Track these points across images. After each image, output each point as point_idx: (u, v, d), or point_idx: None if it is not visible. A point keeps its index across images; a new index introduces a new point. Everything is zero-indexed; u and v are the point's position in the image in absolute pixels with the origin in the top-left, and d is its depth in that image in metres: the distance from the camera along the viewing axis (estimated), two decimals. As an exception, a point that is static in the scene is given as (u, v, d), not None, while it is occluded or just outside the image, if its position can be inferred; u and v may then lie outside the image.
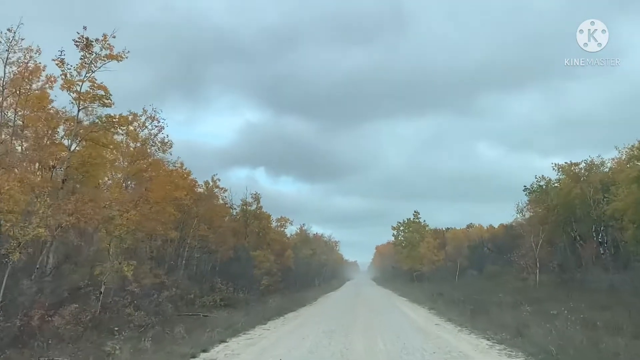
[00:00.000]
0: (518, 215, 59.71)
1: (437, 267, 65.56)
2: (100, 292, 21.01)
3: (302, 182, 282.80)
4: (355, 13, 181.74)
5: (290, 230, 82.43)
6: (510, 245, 63.62)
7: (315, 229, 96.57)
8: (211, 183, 49.08)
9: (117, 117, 24.71)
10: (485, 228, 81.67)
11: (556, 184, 51.54)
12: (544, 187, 53.27)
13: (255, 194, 60.15)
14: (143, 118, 29.15)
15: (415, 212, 72.84)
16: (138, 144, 29.10)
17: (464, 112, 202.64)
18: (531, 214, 58.72)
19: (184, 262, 39.30)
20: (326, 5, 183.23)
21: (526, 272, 41.89)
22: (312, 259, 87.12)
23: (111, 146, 25.54)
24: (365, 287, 75.59)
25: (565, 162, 50.91)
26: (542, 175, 52.64)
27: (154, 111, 29.26)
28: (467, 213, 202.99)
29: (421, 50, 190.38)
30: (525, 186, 52.46)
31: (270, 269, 47.97)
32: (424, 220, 72.27)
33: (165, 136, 30.07)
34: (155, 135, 29.52)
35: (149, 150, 29.80)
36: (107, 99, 23.89)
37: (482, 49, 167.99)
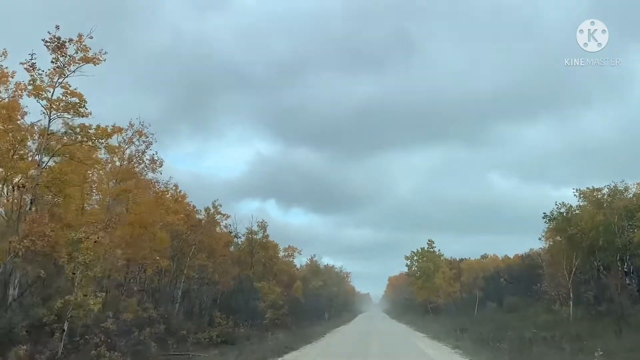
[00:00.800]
0: (541, 244, 56.69)
1: (453, 299, 61.28)
2: (63, 330, 17.47)
3: (313, 213, 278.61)
4: (364, 42, 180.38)
5: (300, 260, 79.05)
6: (528, 276, 59.73)
7: (326, 261, 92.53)
8: (212, 209, 45.74)
9: (95, 128, 21.57)
10: (501, 258, 77.73)
11: (577, 211, 48.07)
12: (564, 214, 49.57)
13: (261, 222, 56.68)
14: (129, 133, 26.04)
15: (429, 241, 68.91)
16: (124, 162, 25.84)
17: (475, 142, 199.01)
18: (550, 242, 55.77)
19: (179, 294, 35.68)
20: (334, 35, 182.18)
21: (559, 303, 37.74)
22: (322, 290, 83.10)
23: (89, 162, 22.22)
24: (378, 321, 71.13)
25: (587, 188, 47.37)
26: (563, 202, 48.95)
27: (142, 125, 26.15)
28: (480, 244, 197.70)
29: (432, 78, 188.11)
30: (544, 213, 48.56)
31: (275, 301, 44.17)
32: (439, 250, 68.30)
33: (154, 153, 26.83)
34: (143, 152, 26.28)
35: (136, 169, 26.54)
36: (82, 107, 20.78)
37: (493, 77, 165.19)
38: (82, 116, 20.99)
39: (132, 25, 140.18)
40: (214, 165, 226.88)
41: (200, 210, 39.59)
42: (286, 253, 63.37)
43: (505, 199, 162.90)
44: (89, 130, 21.17)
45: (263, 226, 56.78)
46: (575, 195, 47.30)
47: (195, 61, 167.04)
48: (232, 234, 53.31)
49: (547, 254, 56.86)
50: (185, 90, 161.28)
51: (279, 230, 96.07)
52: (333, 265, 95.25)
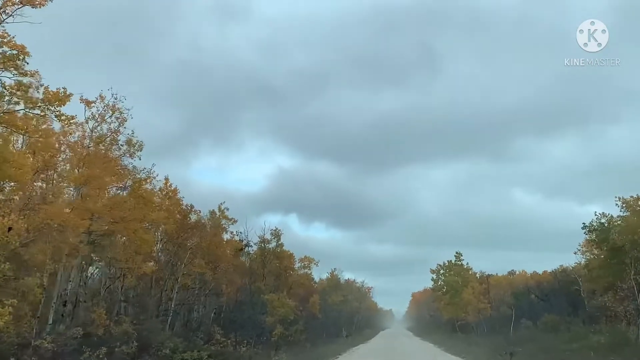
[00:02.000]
0: (576, 259, 50.49)
1: (482, 317, 54.97)
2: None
3: (335, 228, 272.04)
4: (386, 56, 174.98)
5: (320, 274, 73.71)
6: (564, 293, 53.51)
7: (347, 275, 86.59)
8: (218, 213, 40.70)
9: (43, 91, 16.72)
10: (529, 274, 71.46)
11: (619, 222, 42.58)
12: (605, 225, 43.93)
13: (275, 230, 51.42)
14: (99, 107, 21.13)
15: (457, 253, 62.74)
16: (90, 143, 20.89)
17: (499, 157, 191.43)
18: (591, 256, 50.23)
19: (172, 305, 30.55)
20: (357, 48, 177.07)
21: (625, 322, 31.71)
22: (342, 306, 77.32)
23: (36, 135, 17.27)
24: (401, 339, 64.62)
25: (631, 196, 41.79)
26: (603, 213, 43.34)
27: (115, 98, 21.23)
28: (505, 261, 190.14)
29: (454, 92, 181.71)
30: (584, 223, 43.07)
31: (286, 315, 38.68)
32: (467, 263, 62.10)
33: (131, 133, 21.84)
34: (116, 130, 21.32)
35: (109, 153, 21.58)
36: (21, 61, 15.94)
37: (516, 91, 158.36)
38: (23, 75, 16.17)
39: (153, 38, 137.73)
40: (235, 179, 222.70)
41: (198, 210, 34.51)
42: (302, 264, 57.78)
43: (530, 215, 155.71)
44: (36, 96, 16.33)
45: (277, 235, 51.57)
46: (617, 204, 42.20)
47: (215, 73, 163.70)
48: (242, 242, 48.49)
49: (584, 268, 51.84)
50: (205, 103, 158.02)
51: (300, 244, 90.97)
52: (354, 280, 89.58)
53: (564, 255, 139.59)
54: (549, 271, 65.76)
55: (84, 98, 20.96)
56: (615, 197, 42.33)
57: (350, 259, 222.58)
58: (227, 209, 40.90)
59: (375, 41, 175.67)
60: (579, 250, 54.35)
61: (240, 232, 47.61)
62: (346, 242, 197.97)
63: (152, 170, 23.58)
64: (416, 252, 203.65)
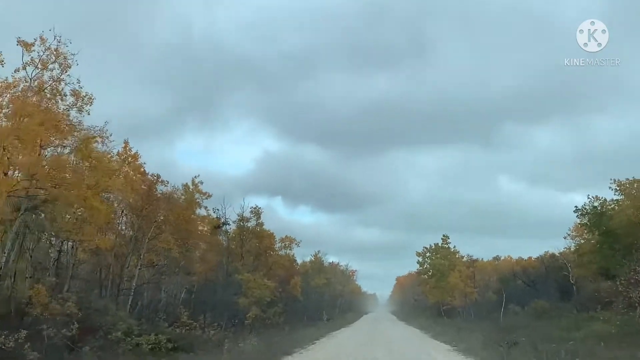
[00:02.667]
0: (570, 243, 49.67)
1: (469, 301, 52.50)
2: None
3: (320, 212, 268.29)
4: (377, 40, 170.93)
5: (303, 256, 70.94)
6: (553, 279, 51.39)
7: (331, 259, 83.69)
8: (191, 187, 37.61)
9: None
10: (515, 260, 69.53)
11: (613, 205, 40.61)
12: (598, 208, 41.75)
13: (255, 208, 48.39)
14: (40, 51, 17.84)
15: (444, 236, 60.01)
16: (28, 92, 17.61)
17: (486, 144, 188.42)
18: (582, 241, 47.46)
19: (134, 284, 27.47)
20: (346, 31, 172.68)
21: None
22: (325, 289, 74.71)
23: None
24: (385, 323, 61.78)
25: (627, 179, 39.68)
26: (597, 196, 41.19)
27: (59, 41, 17.95)
28: (489, 247, 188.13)
29: (444, 78, 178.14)
30: (576, 207, 41.02)
31: (262, 297, 35.76)
32: (454, 247, 59.43)
33: (77, 82, 18.57)
34: (58, 78, 18.05)
35: (51, 105, 18.32)
36: None
37: (505, 79, 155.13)
38: None
39: (139, 18, 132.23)
40: (221, 162, 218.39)
41: (166, 181, 31.42)
42: (283, 244, 54.83)
43: (514, 203, 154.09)
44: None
45: (257, 213, 48.58)
46: (611, 187, 40.02)
47: (203, 55, 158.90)
48: (219, 219, 45.52)
49: (574, 253, 48.58)
50: (192, 84, 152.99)
51: (285, 228, 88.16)
52: (338, 263, 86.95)
53: (547, 242, 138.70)
54: (534, 257, 64.52)
55: (21, 40, 17.68)
56: (610, 179, 40.00)
57: (335, 243, 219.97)
58: (202, 183, 37.87)
59: (365, 25, 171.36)
60: (568, 235, 52.59)
61: (218, 210, 44.96)
62: (332, 226, 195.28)
63: (105, 130, 20.35)
64: (402, 238, 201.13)
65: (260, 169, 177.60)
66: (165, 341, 21.19)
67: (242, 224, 47.46)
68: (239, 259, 46.62)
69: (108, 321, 21.01)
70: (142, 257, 27.62)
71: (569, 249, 52.18)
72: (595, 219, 41.50)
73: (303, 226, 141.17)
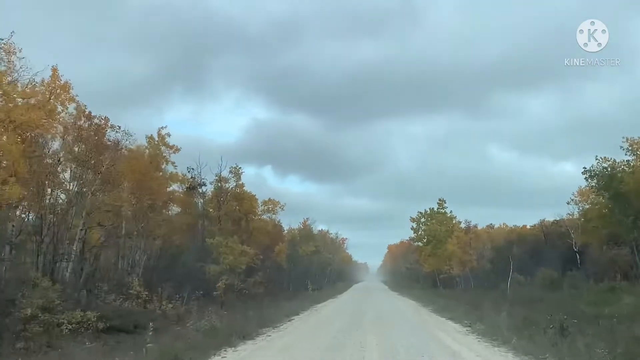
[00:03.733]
0: (573, 209, 45.99)
1: (469, 270, 47.80)
2: None
3: (310, 181, 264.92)
4: (365, 5, 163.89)
5: (291, 223, 66.30)
6: (549, 246, 47.31)
7: (321, 227, 79.06)
8: (157, 139, 32.39)
9: None
10: (510, 228, 64.94)
11: (623, 167, 36.15)
12: (608, 170, 37.51)
13: (234, 168, 43.21)
14: None
15: (440, 200, 55.16)
16: None
17: (477, 112, 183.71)
18: (587, 205, 43.67)
19: (75, 248, 22.33)
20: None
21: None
22: (314, 257, 70.04)
23: None
24: (376, 294, 56.67)
25: (640, 137, 35.44)
26: (606, 157, 36.29)
27: None
28: (481, 217, 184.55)
29: (433, 44, 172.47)
30: (584, 168, 36.72)
31: (235, 264, 30.77)
32: (451, 211, 54.57)
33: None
34: None
35: None
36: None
37: (496, 45, 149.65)
38: None
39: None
40: (210, 131, 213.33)
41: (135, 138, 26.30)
42: (266, 207, 49.83)
43: (505, 173, 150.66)
44: None
45: (237, 173, 43.49)
46: (622, 147, 35.81)
47: (189, 17, 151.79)
48: (194, 179, 40.49)
49: (580, 219, 45.04)
50: (178, 48, 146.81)
51: (274, 197, 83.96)
52: (328, 230, 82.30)
53: (539, 212, 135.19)
54: (528, 226, 60.10)
55: None
56: (623, 138, 36.06)
57: (325, 213, 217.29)
58: (169, 135, 32.67)
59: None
60: (572, 200, 48.78)
61: (192, 169, 40.02)
62: (321, 196, 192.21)
63: (9, 42, 14.93)
64: (392, 207, 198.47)
65: (249, 138, 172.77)
66: (94, 319, 16.22)
67: (219, 184, 42.40)
68: (216, 222, 41.75)
69: (26, 295, 16.00)
70: (84, 216, 22.41)
71: (572, 215, 48.17)
72: (605, 180, 37.29)
73: (293, 195, 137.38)
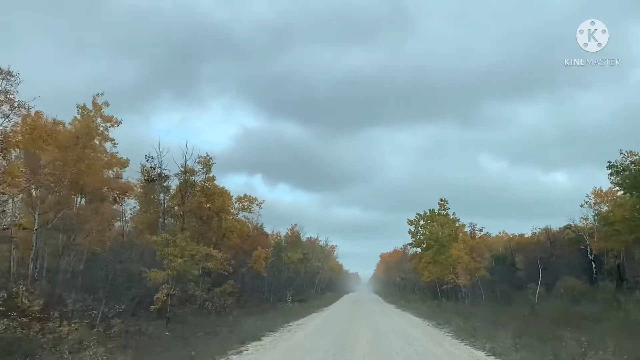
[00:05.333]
0: (587, 213, 41.99)
1: (478, 279, 40.57)
2: None
3: (300, 190, 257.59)
4: (356, 11, 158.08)
5: (277, 228, 59.59)
6: (557, 254, 41.88)
7: (310, 234, 72.14)
8: (92, 109, 25.16)
9: None
10: (510, 236, 59.26)
11: None
12: (634, 166, 32.18)
13: (204, 158, 35.72)
14: None
15: (441, 200, 48.08)
16: None
17: (468, 121, 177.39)
18: (608, 207, 39.88)
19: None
20: (325, 2, 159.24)
21: None
22: (302, 265, 62.77)
23: None
24: (370, 307, 47.76)
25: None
26: (631, 151, 31.12)
27: None
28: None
29: (424, 52, 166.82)
30: (609, 162, 31.20)
31: (184, 271, 23.28)
32: (454, 213, 47.50)
33: None
34: None
35: None
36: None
37: (488, 54, 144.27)
38: None
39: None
40: (198, 140, 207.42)
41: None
42: (241, 205, 42.60)
43: (497, 182, 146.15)
44: None
45: (207, 164, 35.93)
46: None
47: (176, 23, 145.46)
48: (154, 169, 33.70)
49: (599, 222, 40.28)
50: (164, 53, 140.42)
51: (265, 205, 78.40)
52: (317, 237, 75.07)
53: (532, 222, 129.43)
54: (526, 234, 54.74)
55: None
56: None
57: (315, 222, 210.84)
58: (108, 105, 25.39)
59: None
60: (585, 202, 43.54)
61: (152, 158, 33.26)
62: (312, 205, 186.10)
63: None
64: (383, 217, 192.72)
65: (239, 146, 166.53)
66: None
67: (185, 176, 35.10)
68: (180, 221, 34.53)
69: None
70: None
71: (586, 218, 43.31)
72: (634, 177, 31.88)
73: (283, 204, 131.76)
